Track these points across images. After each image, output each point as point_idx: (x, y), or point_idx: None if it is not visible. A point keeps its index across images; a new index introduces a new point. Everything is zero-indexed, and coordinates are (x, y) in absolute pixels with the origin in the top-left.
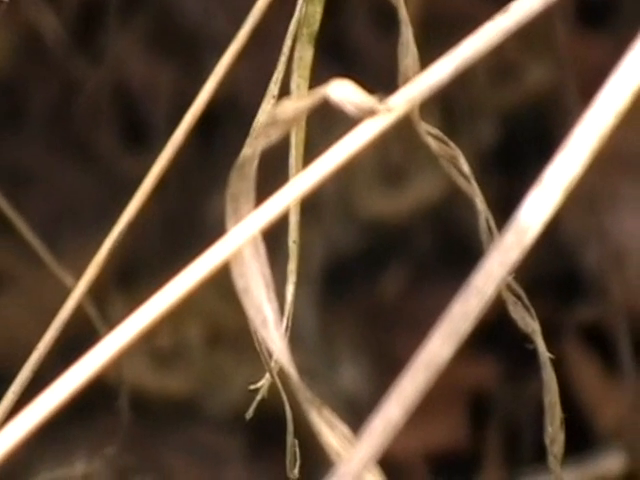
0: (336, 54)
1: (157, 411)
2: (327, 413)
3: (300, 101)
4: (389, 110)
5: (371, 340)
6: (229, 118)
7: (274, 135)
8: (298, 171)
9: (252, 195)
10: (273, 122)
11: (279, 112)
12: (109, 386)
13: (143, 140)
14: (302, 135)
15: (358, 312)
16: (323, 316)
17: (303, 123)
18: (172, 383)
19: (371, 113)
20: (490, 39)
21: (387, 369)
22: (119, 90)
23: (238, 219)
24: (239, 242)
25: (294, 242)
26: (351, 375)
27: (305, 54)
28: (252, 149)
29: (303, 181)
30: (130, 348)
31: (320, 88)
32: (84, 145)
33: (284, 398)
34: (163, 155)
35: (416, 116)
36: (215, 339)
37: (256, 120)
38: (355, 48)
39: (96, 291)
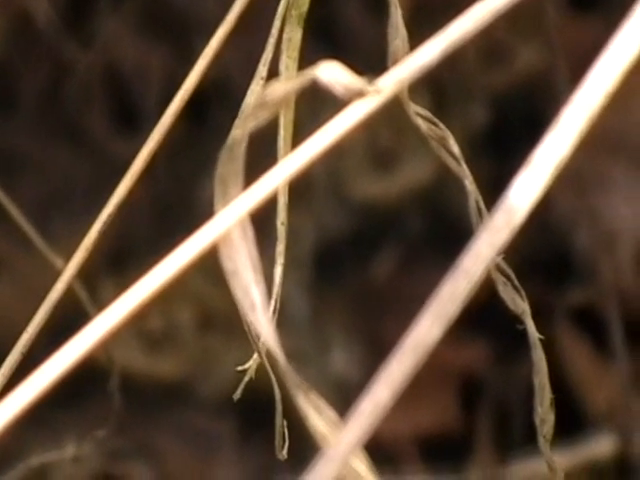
0: (325, 36)
1: (148, 394)
2: (314, 397)
3: (289, 82)
4: (378, 91)
5: (361, 323)
6: (218, 100)
7: (263, 116)
8: (287, 153)
9: (241, 177)
10: (262, 103)
11: (268, 93)
12: (100, 369)
13: (134, 123)
14: (291, 116)
15: (348, 295)
16: (313, 299)
17: (292, 104)
18: (163, 366)
19: (360, 94)
20: (479, 19)
21: (378, 352)
22: (110, 73)
23: (227, 201)
24: (227, 224)
25: (282, 224)
26: (341, 358)
27: (294, 35)
28: (241, 130)
29: (292, 163)
30: (120, 330)
31: (309, 69)
32: (75, 129)
33: (273, 380)
34: (152, 137)
35: (405, 97)
36: (205, 322)
37: (245, 101)
38: (345, 29)
39: (86, 274)
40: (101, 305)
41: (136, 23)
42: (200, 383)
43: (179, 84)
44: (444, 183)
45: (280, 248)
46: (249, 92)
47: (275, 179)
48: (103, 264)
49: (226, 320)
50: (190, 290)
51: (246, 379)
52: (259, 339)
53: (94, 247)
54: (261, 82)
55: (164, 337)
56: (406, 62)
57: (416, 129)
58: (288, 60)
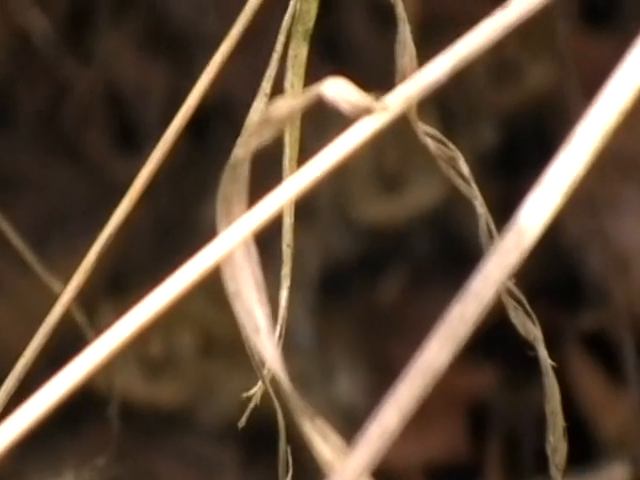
0: (332, 52)
1: (148, 421)
2: (320, 422)
3: (294, 100)
4: (385, 109)
5: (368, 347)
6: (221, 118)
7: (267, 134)
8: (292, 172)
9: (244, 196)
10: (266, 121)
11: (272, 111)
12: (99, 395)
13: (134, 142)
14: (296, 135)
15: (354, 318)
16: (319, 322)
17: (297, 122)
18: (163, 392)
19: (367, 112)
20: (489, 35)
21: (384, 377)
22: (110, 91)
23: (230, 221)
24: (230, 245)
25: (288, 246)
26: (347, 383)
27: (300, 52)
28: (244, 149)
29: (297, 182)
30: (119, 354)
31: (315, 86)
32: (74, 148)
33: (277, 406)
34: (153, 157)
35: (413, 115)
36: (207, 347)
37: (248, 119)
38: (352, 46)
39: (85, 297)
40: (100, 329)
41: (136, 40)
42: (201, 409)
43: (180, 102)
44: (452, 205)
45: (286, 270)
46: (252, 109)
47: (280, 198)
48: (102, 287)
49: (228, 345)
50: (191, 314)
51: (251, 406)
52: (264, 364)
53: (93, 270)
54: (265, 99)
55: (165, 362)
56: (414, 79)
57: (424, 149)
58: (294, 77)
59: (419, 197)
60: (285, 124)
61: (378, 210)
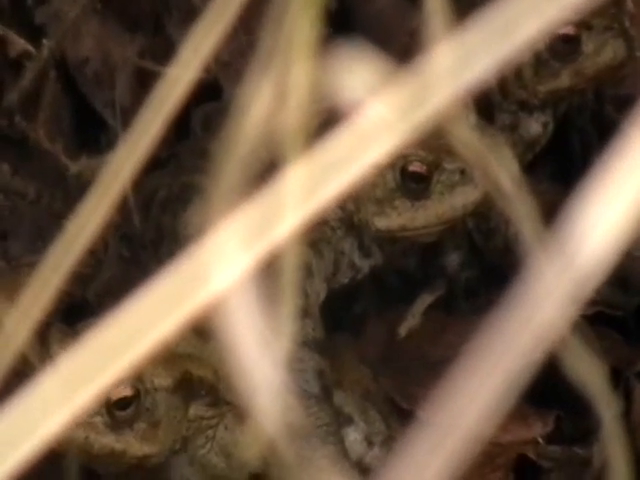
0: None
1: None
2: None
3: (301, 107)
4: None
5: (382, 390)
6: (203, 112)
7: (266, 152)
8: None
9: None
10: (267, 134)
11: (274, 121)
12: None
13: (96, 136)
14: (300, 146)
15: (368, 357)
16: (328, 362)
17: (302, 135)
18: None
19: (387, 128)
20: (548, 14)
21: (400, 422)
22: (65, 72)
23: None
24: (223, 285)
25: (291, 285)
26: (360, 431)
27: (308, 37)
28: (239, 171)
29: (301, 213)
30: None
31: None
32: (23, 141)
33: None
34: (119, 156)
35: (450, 118)
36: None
37: (243, 126)
38: (374, 20)
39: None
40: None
41: (97, 10)
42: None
43: (152, 85)
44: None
45: (288, 319)
46: (249, 117)
47: (281, 234)
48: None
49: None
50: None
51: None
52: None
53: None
54: (264, 105)
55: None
56: (452, 74)
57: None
58: (299, 74)
59: (448, 206)
60: (289, 141)
61: (399, 219)
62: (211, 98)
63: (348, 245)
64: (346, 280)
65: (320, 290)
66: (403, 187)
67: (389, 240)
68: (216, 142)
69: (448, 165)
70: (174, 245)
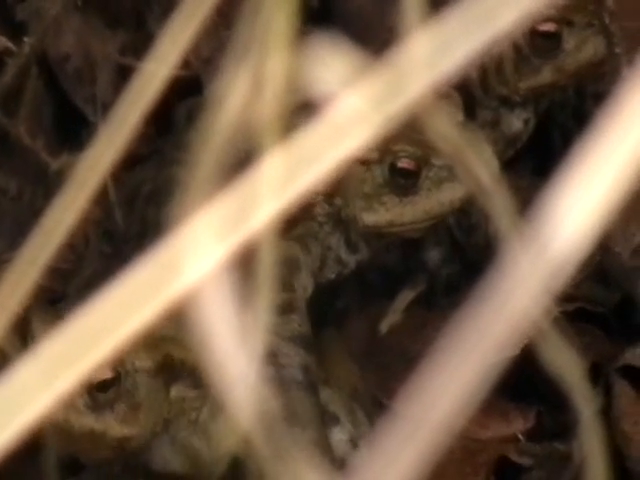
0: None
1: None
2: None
3: (277, 98)
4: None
5: (365, 384)
6: (184, 106)
7: (243, 142)
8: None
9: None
10: (243, 125)
11: (251, 112)
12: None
13: (77, 133)
14: (278, 140)
15: (352, 350)
16: (313, 355)
17: (278, 129)
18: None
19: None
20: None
21: (381, 415)
22: (46, 68)
23: (196, 243)
24: (198, 276)
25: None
26: (342, 425)
27: (284, 28)
28: (215, 159)
29: (279, 203)
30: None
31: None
32: (4, 138)
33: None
34: (97, 151)
35: (429, 110)
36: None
37: (221, 117)
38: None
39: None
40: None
41: (79, 7)
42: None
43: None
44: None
45: (265, 304)
46: (226, 106)
47: (259, 221)
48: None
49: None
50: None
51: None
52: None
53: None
54: (241, 94)
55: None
56: (429, 65)
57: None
58: (276, 65)
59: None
60: (266, 132)
61: (387, 215)
62: (193, 94)
63: (335, 240)
64: (333, 275)
65: (307, 285)
66: (391, 183)
67: (376, 236)
68: (196, 135)
69: (436, 161)
70: (158, 238)
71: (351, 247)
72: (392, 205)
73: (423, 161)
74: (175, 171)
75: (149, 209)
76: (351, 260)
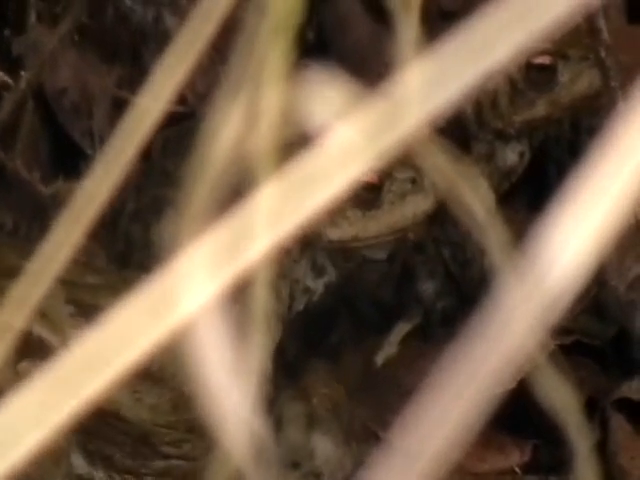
0: (322, 53)
1: None
2: None
3: (272, 132)
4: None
5: (355, 418)
6: (174, 137)
7: (236, 177)
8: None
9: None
10: (237, 159)
11: (244, 146)
12: None
13: (74, 166)
14: (271, 171)
15: (344, 382)
16: (300, 386)
17: (273, 163)
18: None
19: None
20: (518, 38)
21: (373, 447)
22: (43, 102)
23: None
24: (195, 310)
25: (262, 309)
26: (329, 457)
27: (280, 62)
28: (209, 193)
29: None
30: None
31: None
32: (0, 171)
33: None
34: (94, 183)
35: (422, 142)
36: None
37: (214, 151)
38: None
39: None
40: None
41: (75, 41)
42: None
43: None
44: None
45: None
46: (220, 139)
47: (252, 258)
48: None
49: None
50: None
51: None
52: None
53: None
54: (235, 128)
55: None
56: (423, 97)
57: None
58: (270, 97)
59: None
60: (261, 168)
61: (350, 230)
62: (169, 125)
63: (301, 269)
64: (301, 307)
65: (275, 336)
66: (354, 197)
67: (342, 255)
68: (181, 164)
69: (399, 174)
70: (145, 256)
71: (317, 271)
72: (355, 219)
73: (386, 174)
74: (163, 191)
75: (134, 226)
76: (319, 285)
